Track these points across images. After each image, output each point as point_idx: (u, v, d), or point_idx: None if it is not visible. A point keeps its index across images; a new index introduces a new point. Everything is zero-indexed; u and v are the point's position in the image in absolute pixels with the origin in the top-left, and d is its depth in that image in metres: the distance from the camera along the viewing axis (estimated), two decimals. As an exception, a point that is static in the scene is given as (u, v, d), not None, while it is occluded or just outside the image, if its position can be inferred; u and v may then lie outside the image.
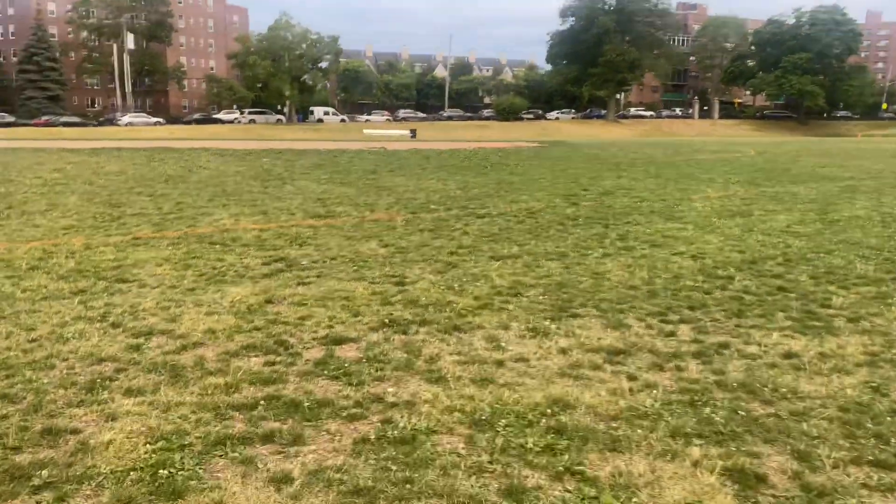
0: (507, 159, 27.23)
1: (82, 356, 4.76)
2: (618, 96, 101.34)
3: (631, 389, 4.40)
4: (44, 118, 77.24)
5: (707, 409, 4.11)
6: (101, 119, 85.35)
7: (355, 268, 7.68)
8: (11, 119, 78.08)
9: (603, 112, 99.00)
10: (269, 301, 6.28)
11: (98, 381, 4.33)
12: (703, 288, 7.11)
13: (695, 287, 7.13)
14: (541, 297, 6.58)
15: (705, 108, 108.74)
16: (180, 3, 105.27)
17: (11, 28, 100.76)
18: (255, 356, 4.88)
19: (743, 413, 4.08)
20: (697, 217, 12.15)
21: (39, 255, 8.01)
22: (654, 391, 4.37)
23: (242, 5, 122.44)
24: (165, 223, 10.39)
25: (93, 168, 19.18)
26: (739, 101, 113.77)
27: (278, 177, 17.90)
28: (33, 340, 5.04)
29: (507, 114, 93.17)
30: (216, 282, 6.94)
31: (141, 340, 5.15)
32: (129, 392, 4.17)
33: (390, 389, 4.32)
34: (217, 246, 8.72)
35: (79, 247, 8.47)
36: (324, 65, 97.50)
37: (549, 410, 4.02)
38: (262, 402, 4.08)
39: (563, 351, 5.10)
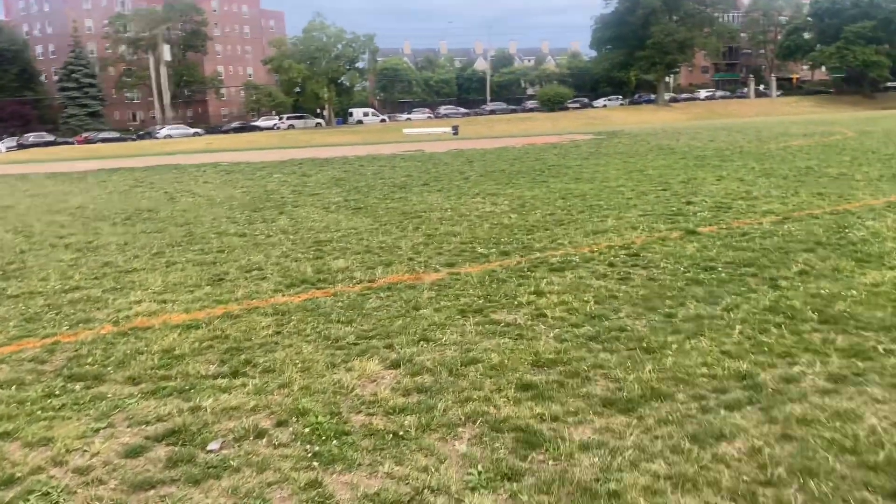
0: (565, 158, 22.75)
1: None
2: (667, 79, 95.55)
3: None
4: (83, 135, 76.86)
5: None
6: (140, 133, 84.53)
7: (316, 463, 3.47)
8: (51, 138, 77.67)
9: (652, 96, 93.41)
10: None
11: None
12: None
13: None
14: None
15: (761, 86, 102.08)
16: (215, 11, 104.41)
17: (51, 47, 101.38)
18: None
19: None
20: (904, 252, 7.58)
21: None
22: None
23: (279, 10, 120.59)
24: (34, 322, 6.29)
25: (50, 203, 15.40)
26: (797, 76, 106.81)
27: (278, 202, 13.85)
28: None
29: (552, 104, 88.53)
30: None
31: None
32: None
33: None
34: (76, 388, 4.58)
35: None
36: (361, 65, 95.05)
37: None
38: None
39: None
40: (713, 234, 9.03)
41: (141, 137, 78.90)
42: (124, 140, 74.79)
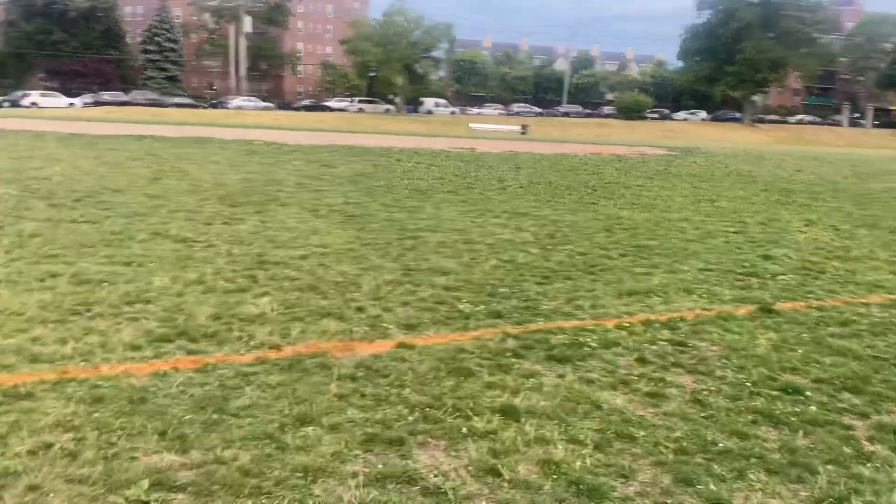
0: (627, 175, 20.00)
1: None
2: (755, 98, 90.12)
3: None
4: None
5: None
6: (213, 101, 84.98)
7: None
8: (126, 98, 78.89)
9: (737, 115, 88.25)
10: None
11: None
12: None
13: None
14: None
15: (856, 115, 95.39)
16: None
17: (140, 9, 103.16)
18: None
19: None
20: None
21: None
22: None
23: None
24: None
25: (20, 169, 13.64)
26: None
27: (267, 196, 11.70)
28: None
29: (629, 112, 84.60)
30: None
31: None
32: None
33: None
34: None
35: None
36: (438, 54, 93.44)
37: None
38: None
39: None
40: (798, 318, 6.38)
41: (214, 106, 79.32)
42: (196, 107, 75.24)
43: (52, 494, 3.00)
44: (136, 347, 4.71)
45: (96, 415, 3.72)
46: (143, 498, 3.00)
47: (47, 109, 54.06)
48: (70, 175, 12.89)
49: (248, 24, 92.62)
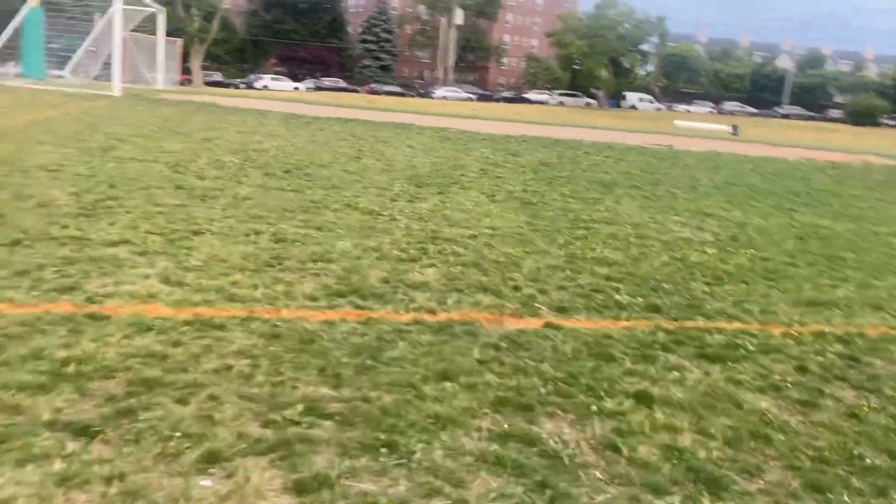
0: (840, 184, 18.28)
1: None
2: None
3: None
4: (370, 86, 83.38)
5: None
6: (421, 91, 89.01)
7: None
8: (343, 84, 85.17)
9: None
10: None
11: None
12: None
13: None
14: None
15: None
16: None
17: (363, 0, 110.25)
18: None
19: None
20: None
21: None
22: None
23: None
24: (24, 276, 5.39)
25: (244, 143, 15.33)
26: None
27: (451, 180, 12.21)
28: None
29: (860, 116, 76.31)
30: None
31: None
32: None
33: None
34: None
35: None
36: (647, 47, 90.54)
37: None
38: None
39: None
40: None
41: (421, 95, 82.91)
42: (404, 95, 79.14)
43: (226, 405, 3.57)
44: (313, 298, 5.33)
45: (271, 348, 4.32)
46: (297, 419, 3.49)
47: (275, 92, 60.14)
48: (284, 150, 14.40)
49: (459, 16, 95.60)
